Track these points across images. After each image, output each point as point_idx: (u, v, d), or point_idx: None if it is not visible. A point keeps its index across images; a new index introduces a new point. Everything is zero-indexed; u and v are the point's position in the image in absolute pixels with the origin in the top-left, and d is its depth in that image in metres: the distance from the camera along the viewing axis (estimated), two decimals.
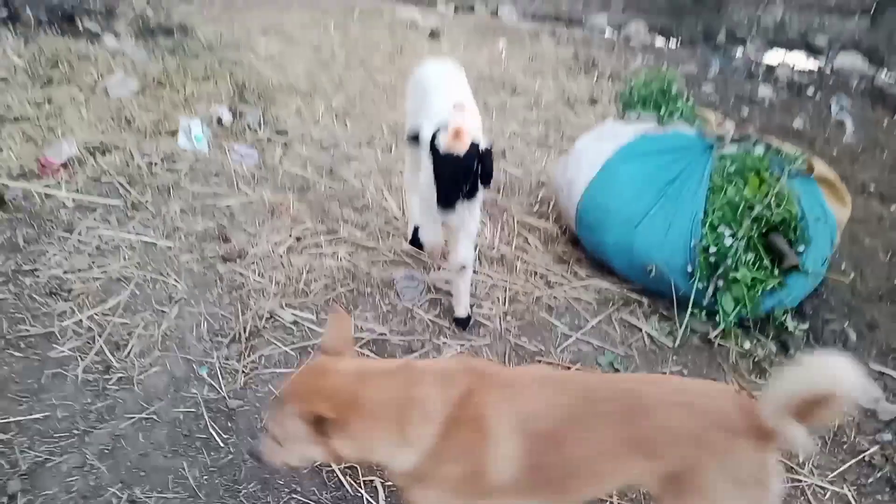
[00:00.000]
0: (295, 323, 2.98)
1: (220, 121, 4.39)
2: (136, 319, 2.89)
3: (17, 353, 2.66)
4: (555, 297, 3.43)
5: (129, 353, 2.72)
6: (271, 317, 3.00)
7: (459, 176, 2.71)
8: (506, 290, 3.42)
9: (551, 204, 4.17)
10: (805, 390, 1.64)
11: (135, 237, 3.35)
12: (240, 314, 2.99)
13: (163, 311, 2.95)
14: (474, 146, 2.62)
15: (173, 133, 4.18)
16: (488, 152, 2.68)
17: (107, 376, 2.62)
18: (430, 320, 3.12)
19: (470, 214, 2.94)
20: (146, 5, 6.12)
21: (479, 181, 2.78)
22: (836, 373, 1.61)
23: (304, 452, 1.75)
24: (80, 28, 5.29)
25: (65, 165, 3.70)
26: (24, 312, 2.82)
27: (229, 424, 2.51)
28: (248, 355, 2.80)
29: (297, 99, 5.00)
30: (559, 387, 1.92)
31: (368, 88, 5.45)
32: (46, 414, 2.46)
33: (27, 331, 2.75)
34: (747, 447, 1.74)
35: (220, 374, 2.71)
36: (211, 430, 2.48)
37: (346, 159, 4.40)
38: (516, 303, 3.36)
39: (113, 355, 2.70)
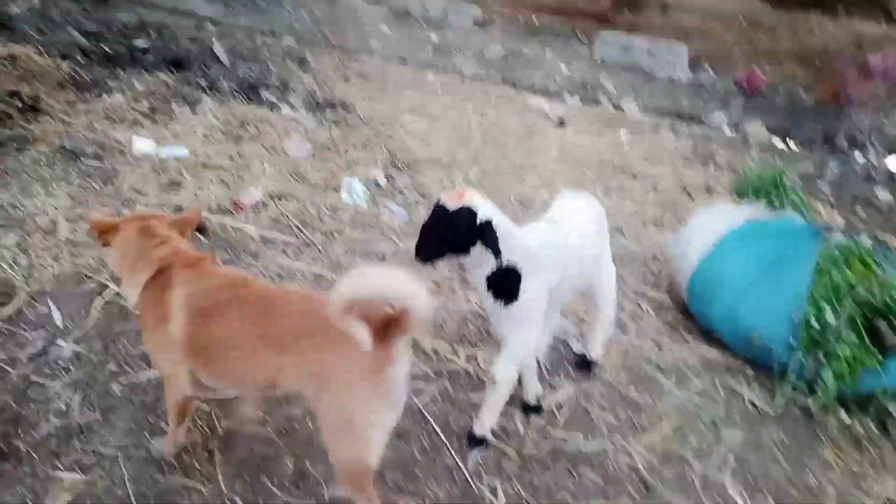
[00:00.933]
0: (435, 351, 3.48)
1: (376, 183, 5.10)
2: None
3: None
4: (663, 358, 3.78)
5: None
6: (414, 343, 3.53)
7: (440, 228, 2.56)
8: (618, 346, 3.80)
9: (664, 276, 4.55)
10: (367, 293, 1.96)
11: (307, 268, 4.01)
12: None
13: None
14: (466, 208, 2.51)
15: (337, 189, 4.91)
16: (488, 225, 2.54)
17: None
18: (546, 367, 3.53)
19: (510, 324, 2.76)
20: (314, 83, 7.09)
21: (512, 292, 2.66)
22: (397, 283, 1.94)
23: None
24: (262, 98, 6.23)
25: (252, 206, 4.46)
26: None
27: None
28: None
29: (439, 169, 5.67)
30: (226, 283, 2.36)
31: (500, 164, 6.08)
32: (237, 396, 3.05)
33: None
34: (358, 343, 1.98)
35: None
36: None
37: None
38: (627, 358, 3.73)
39: None
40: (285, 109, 6.10)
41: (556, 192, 5.54)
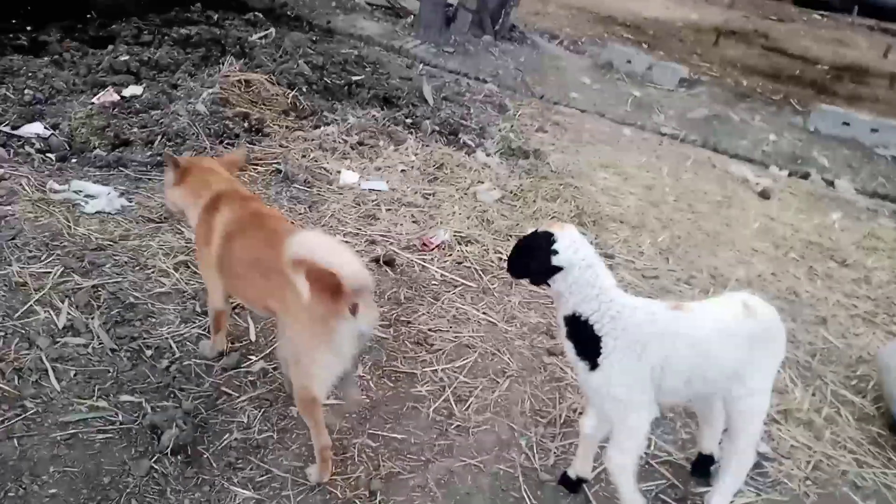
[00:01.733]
0: None
1: None
2: (475, 382, 3.48)
3: (389, 383, 3.38)
4: (862, 478, 3.34)
5: (468, 407, 3.31)
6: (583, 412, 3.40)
7: (521, 247, 2.59)
8: (809, 456, 3.41)
9: (871, 383, 4.04)
10: (310, 255, 2.32)
11: (482, 315, 4.02)
12: (557, 402, 3.44)
13: (496, 381, 3.52)
14: (545, 234, 2.46)
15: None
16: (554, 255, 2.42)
17: (449, 421, 3.21)
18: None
19: (601, 401, 2.62)
20: (510, 130, 7.20)
21: (589, 352, 2.51)
22: (332, 253, 2.34)
23: (167, 194, 3.10)
24: (461, 141, 6.41)
25: (439, 247, 4.57)
26: (398, 353, 3.58)
27: (539, 493, 2.92)
28: (561, 440, 3.21)
29: (625, 229, 5.50)
30: (254, 214, 2.87)
31: (692, 232, 5.77)
32: (403, 437, 3.08)
33: (398, 368, 3.48)
34: (317, 293, 2.39)
35: (536, 448, 3.15)
36: (524, 493, 2.90)
37: (664, 291, 4.73)
38: (818, 471, 3.33)
39: (456, 406, 3.30)
40: (480, 154, 6.23)
41: (754, 270, 5.23)
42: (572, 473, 2.94)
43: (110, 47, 6.33)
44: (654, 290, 4.74)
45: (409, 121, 6.54)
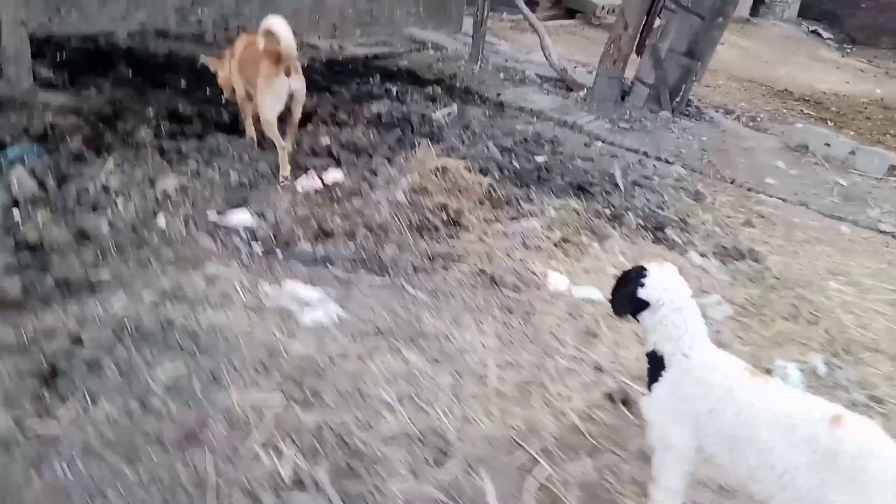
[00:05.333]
0: None
1: (815, 370, 4.22)
2: None
3: None
4: None
5: None
6: None
7: (619, 280, 2.80)
8: None
9: None
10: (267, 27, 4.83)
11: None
12: None
13: None
14: (638, 269, 2.71)
15: (768, 370, 4.13)
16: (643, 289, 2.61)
17: None
18: None
19: (646, 427, 2.71)
20: (713, 223, 6.45)
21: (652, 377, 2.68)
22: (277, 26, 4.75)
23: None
24: (669, 238, 5.74)
25: None
26: None
27: None
28: None
29: (884, 362, 4.58)
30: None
31: None
32: None
33: None
34: (268, 61, 4.90)
35: None
36: None
37: None
38: None
39: None
40: (693, 255, 5.53)
41: None
42: None
43: (310, 126, 6.20)
44: None
45: (608, 211, 5.95)
